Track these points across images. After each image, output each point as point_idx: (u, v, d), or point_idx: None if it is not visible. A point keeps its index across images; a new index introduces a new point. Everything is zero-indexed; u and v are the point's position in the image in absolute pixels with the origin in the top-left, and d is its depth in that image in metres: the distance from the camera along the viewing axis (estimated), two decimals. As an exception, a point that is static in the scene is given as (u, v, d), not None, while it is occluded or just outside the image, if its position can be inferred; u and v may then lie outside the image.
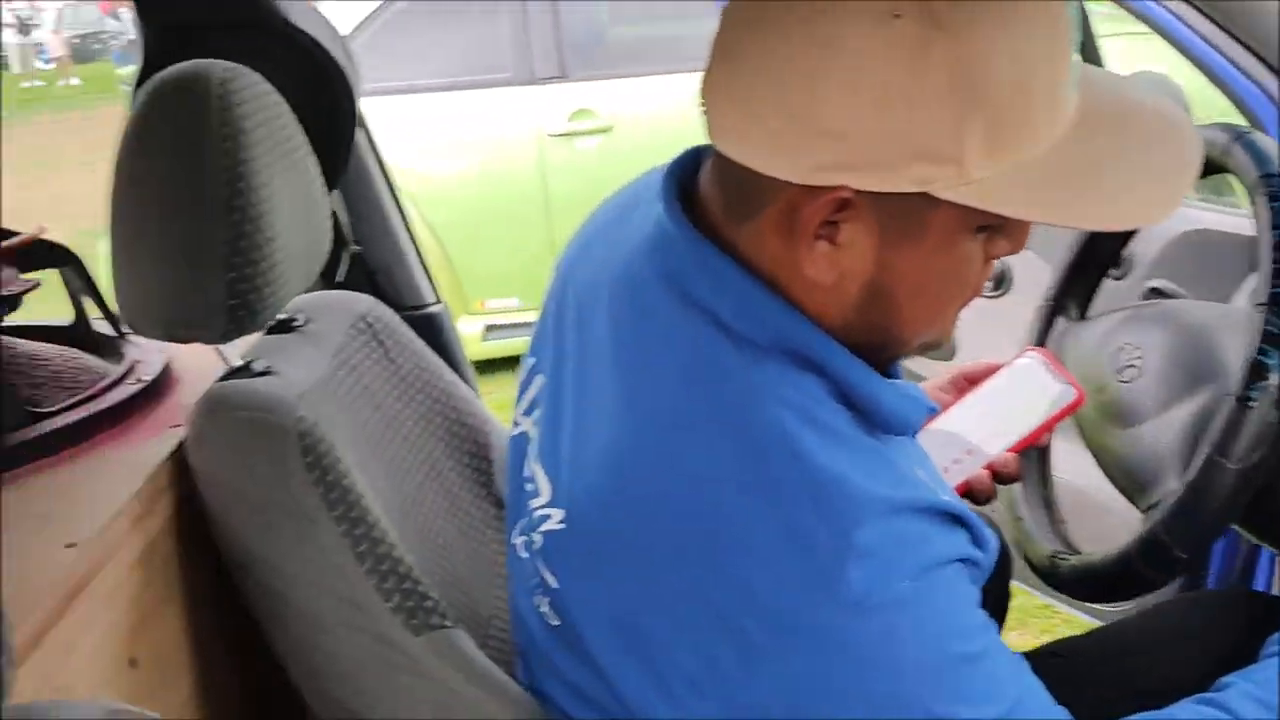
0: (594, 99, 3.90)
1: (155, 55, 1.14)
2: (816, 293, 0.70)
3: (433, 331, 1.39)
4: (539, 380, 0.87)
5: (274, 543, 0.87)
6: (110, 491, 0.84)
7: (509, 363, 3.70)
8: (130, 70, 4.76)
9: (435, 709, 0.86)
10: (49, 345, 1.09)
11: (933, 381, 1.10)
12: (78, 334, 1.14)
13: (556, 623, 0.77)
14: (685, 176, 0.77)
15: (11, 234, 1.04)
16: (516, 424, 0.90)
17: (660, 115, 3.82)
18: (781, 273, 0.70)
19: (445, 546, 1.09)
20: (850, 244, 0.68)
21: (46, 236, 1.05)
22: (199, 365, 1.08)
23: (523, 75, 3.89)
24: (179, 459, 0.91)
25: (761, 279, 0.71)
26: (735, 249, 0.71)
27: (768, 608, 0.66)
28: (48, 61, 15.28)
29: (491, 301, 3.88)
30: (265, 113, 0.94)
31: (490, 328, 3.85)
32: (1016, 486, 1.13)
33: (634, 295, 0.77)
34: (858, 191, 0.65)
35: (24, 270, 1.05)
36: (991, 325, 1.59)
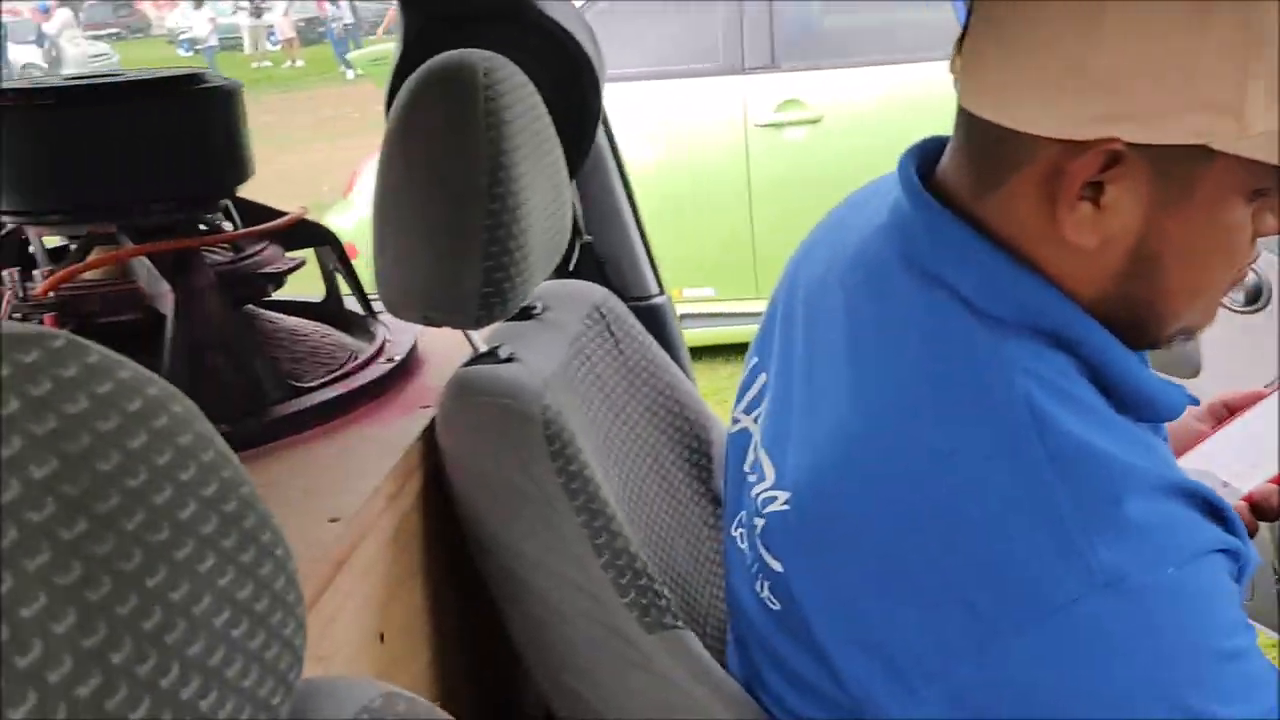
0: (804, 89, 3.84)
1: (415, 47, 1.17)
2: (1073, 262, 0.67)
3: (656, 323, 1.39)
4: (761, 379, 0.86)
5: (516, 528, 0.88)
6: (366, 468, 0.87)
7: (703, 352, 3.72)
8: (357, 55, 5.05)
9: (664, 708, 0.86)
10: (306, 321, 1.14)
11: (1189, 410, 1.02)
12: (329, 310, 1.19)
13: (778, 607, 0.75)
14: (924, 166, 0.74)
15: (279, 214, 1.08)
16: (736, 421, 0.89)
17: (872, 107, 3.73)
18: (1034, 244, 0.67)
19: (666, 541, 1.08)
20: (1116, 205, 0.64)
21: (308, 217, 1.09)
22: (443, 345, 1.10)
23: (732, 64, 3.87)
24: (428, 438, 0.93)
25: (1010, 252, 0.68)
26: (981, 224, 0.69)
27: (1004, 582, 0.63)
28: (276, 43, 16.28)
29: (688, 291, 3.89)
30: (523, 104, 0.95)
31: (685, 316, 3.86)
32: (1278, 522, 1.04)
33: (870, 279, 0.75)
34: (1129, 145, 0.62)
35: (287, 249, 1.10)
36: (1244, 343, 1.47)
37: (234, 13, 16.35)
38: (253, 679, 0.42)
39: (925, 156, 0.75)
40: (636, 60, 3.88)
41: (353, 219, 3.82)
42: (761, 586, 0.77)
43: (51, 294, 0.89)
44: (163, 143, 0.93)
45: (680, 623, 0.88)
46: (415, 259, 0.90)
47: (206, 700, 0.39)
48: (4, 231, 0.97)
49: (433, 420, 0.95)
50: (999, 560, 0.63)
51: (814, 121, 3.82)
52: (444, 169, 0.89)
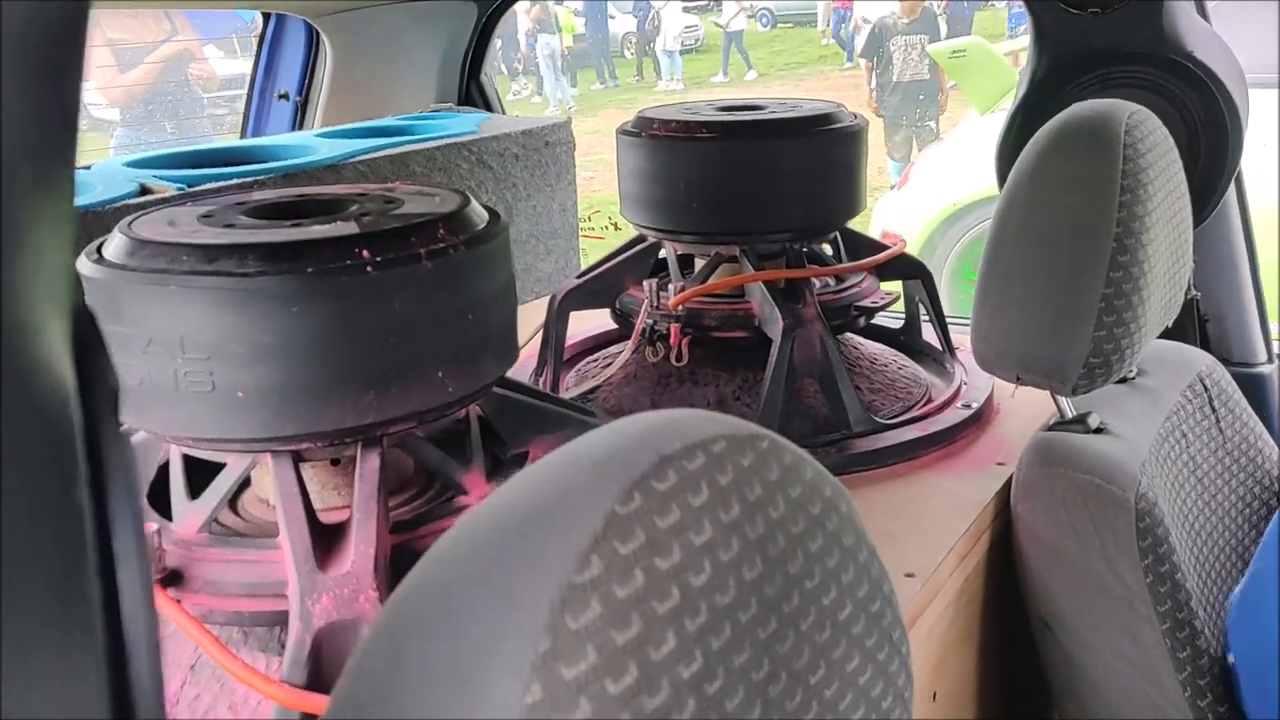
0: None
1: (1043, 85, 1.14)
2: None
3: (1258, 396, 1.24)
4: None
5: (1088, 618, 0.84)
6: (941, 522, 0.87)
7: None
8: (936, 48, 4.99)
9: None
10: (884, 348, 1.16)
11: None
12: (903, 338, 1.21)
13: (1223, 709, 0.71)
14: None
15: (880, 246, 1.11)
16: None
17: None
18: None
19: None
20: None
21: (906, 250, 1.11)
22: (1019, 395, 1.07)
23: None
24: (1001, 498, 0.92)
25: None
26: None
27: None
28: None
29: None
30: (1162, 161, 0.89)
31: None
32: None
33: None
34: None
35: (880, 278, 1.12)
36: None
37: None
38: None
39: None
40: (1248, 64, 3.43)
41: (900, 213, 3.82)
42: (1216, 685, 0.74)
43: (680, 307, 1.00)
44: (794, 177, 0.99)
45: (1262, 761, 0.79)
46: (1021, 316, 0.88)
47: None
48: (646, 244, 1.10)
49: (1008, 480, 0.93)
50: None
51: None
52: (1069, 228, 0.85)
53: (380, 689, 0.35)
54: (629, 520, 0.36)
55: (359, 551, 0.57)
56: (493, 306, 0.64)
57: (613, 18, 13.41)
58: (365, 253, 0.58)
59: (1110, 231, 0.84)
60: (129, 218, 0.66)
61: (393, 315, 0.58)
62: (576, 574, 0.34)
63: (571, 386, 1.11)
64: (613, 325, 1.18)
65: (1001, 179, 1.13)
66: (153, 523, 0.60)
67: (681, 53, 11.79)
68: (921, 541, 0.84)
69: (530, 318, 1.12)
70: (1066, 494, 0.86)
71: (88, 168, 1.25)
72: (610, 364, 1.13)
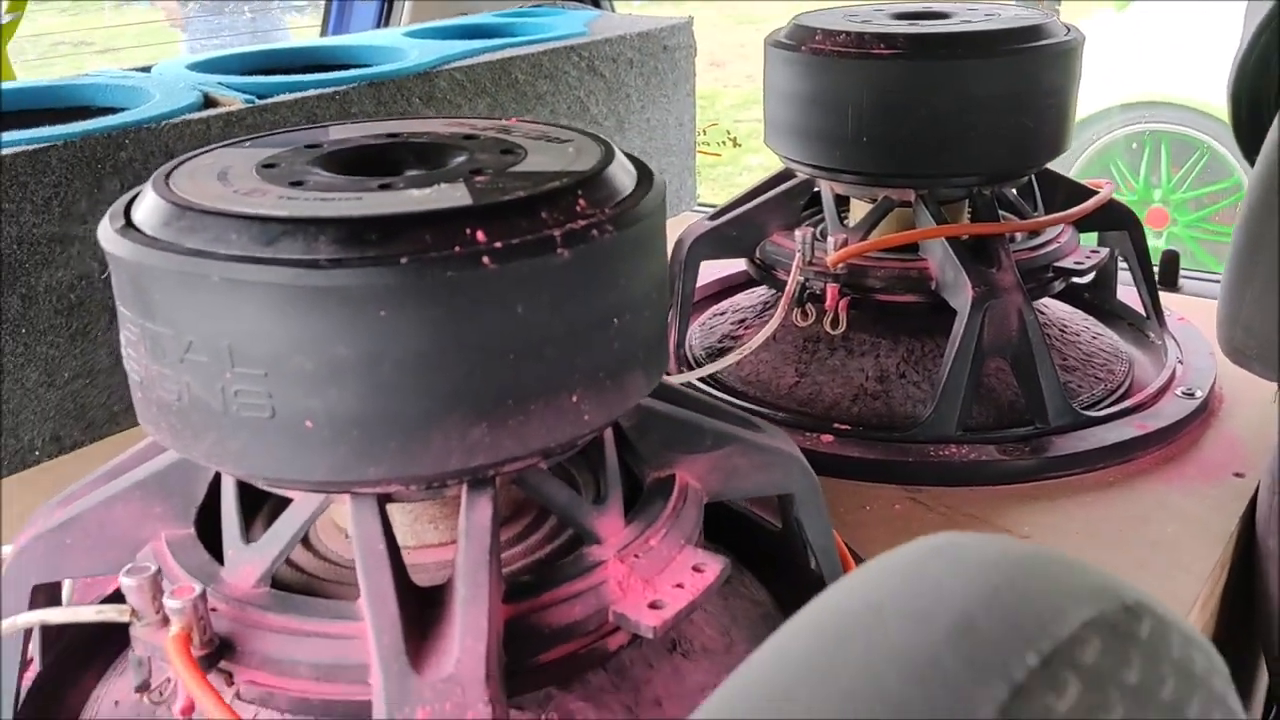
0: None
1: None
2: None
3: None
4: None
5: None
6: (1175, 556, 0.70)
7: None
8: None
9: None
10: (1072, 310, 0.97)
11: None
12: (1088, 296, 1.01)
13: None
14: None
15: (1084, 191, 0.91)
16: None
17: None
18: None
19: None
20: None
21: (1115, 196, 0.91)
22: (1242, 376, 0.88)
23: None
24: (1244, 525, 0.74)
25: None
26: None
27: None
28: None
29: None
30: None
31: None
32: None
33: None
34: None
35: (1083, 230, 0.93)
36: None
37: None
38: None
39: None
40: None
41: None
42: None
43: (841, 264, 0.82)
44: (994, 106, 0.79)
45: None
46: None
47: None
48: (796, 182, 0.91)
49: (1251, 499, 0.75)
50: None
51: None
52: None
53: None
54: None
55: (466, 649, 0.42)
56: (646, 307, 0.47)
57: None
58: (480, 234, 0.42)
59: None
60: (167, 167, 0.50)
61: (515, 323, 0.42)
62: None
63: (701, 355, 0.94)
64: (738, 266, 1.00)
65: (1239, 108, 0.91)
66: (193, 584, 0.45)
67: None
68: (1156, 584, 0.67)
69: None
70: (1343, 530, 0.68)
71: (147, 69, 1.09)
72: (744, 321, 0.96)
